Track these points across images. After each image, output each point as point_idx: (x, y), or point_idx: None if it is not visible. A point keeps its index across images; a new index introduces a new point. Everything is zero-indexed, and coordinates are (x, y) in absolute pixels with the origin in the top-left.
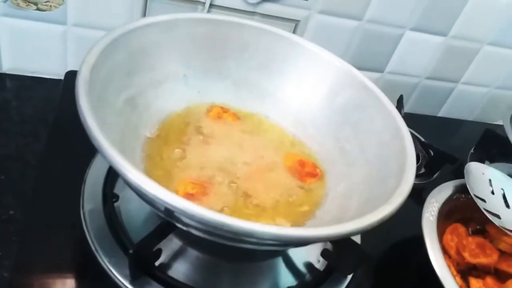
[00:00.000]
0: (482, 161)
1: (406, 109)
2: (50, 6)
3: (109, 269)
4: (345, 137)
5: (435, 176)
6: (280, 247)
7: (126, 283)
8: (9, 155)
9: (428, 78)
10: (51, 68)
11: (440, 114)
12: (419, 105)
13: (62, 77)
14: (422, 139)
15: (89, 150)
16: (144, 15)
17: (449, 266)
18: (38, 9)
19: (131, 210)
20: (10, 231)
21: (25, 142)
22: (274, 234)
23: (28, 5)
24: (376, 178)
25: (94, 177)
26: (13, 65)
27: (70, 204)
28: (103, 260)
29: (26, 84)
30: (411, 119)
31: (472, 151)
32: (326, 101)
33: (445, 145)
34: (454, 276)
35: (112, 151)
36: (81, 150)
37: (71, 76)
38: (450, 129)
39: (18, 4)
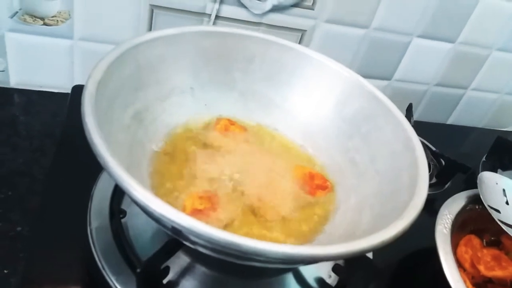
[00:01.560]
0: (495, 170)
1: (415, 117)
2: (57, 21)
3: (116, 287)
4: (354, 148)
5: (446, 186)
6: (290, 265)
7: None
8: (16, 170)
9: (437, 85)
10: (58, 83)
11: (449, 122)
12: (428, 112)
13: (69, 91)
14: (433, 148)
15: (97, 164)
16: (150, 28)
17: (464, 280)
18: (44, 24)
19: (139, 226)
20: (17, 248)
21: (33, 157)
22: (285, 254)
23: (35, 20)
24: (387, 191)
25: (101, 192)
26: (20, 80)
27: (77, 220)
28: (110, 278)
29: (34, 99)
30: (420, 127)
31: (484, 159)
32: (334, 111)
33: (455, 153)
34: None
35: (118, 169)
36: (88, 165)
37: (78, 90)
38: (460, 137)
39: (25, 20)
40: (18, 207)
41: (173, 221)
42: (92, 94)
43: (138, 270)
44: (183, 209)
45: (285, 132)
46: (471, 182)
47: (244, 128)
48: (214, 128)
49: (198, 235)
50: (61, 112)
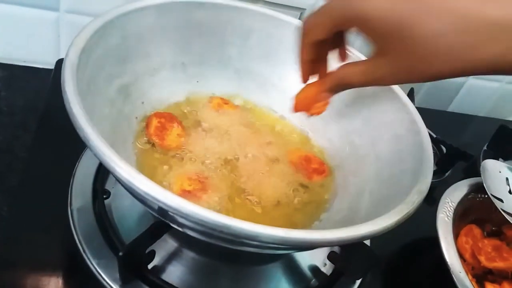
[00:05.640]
0: (496, 159)
1: (415, 103)
2: None
3: (98, 272)
4: (355, 130)
5: (447, 174)
6: (283, 251)
7: (116, 287)
8: None
9: None
10: (43, 57)
11: (449, 109)
12: (429, 99)
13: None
14: (434, 135)
15: (80, 142)
16: None
17: (464, 271)
18: None
19: (123, 208)
20: None
21: (14, 134)
22: (280, 238)
23: None
24: (389, 175)
25: (84, 171)
26: (3, 53)
27: (57, 201)
28: (91, 262)
29: (17, 74)
30: (420, 114)
31: (485, 148)
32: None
33: (455, 141)
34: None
35: (98, 141)
36: (71, 143)
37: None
38: (461, 125)
39: None
40: None
41: (158, 200)
42: (73, 62)
43: (121, 254)
44: (170, 190)
45: (282, 113)
46: (471, 171)
47: (238, 108)
48: (207, 107)
49: (185, 216)
50: (45, 89)
